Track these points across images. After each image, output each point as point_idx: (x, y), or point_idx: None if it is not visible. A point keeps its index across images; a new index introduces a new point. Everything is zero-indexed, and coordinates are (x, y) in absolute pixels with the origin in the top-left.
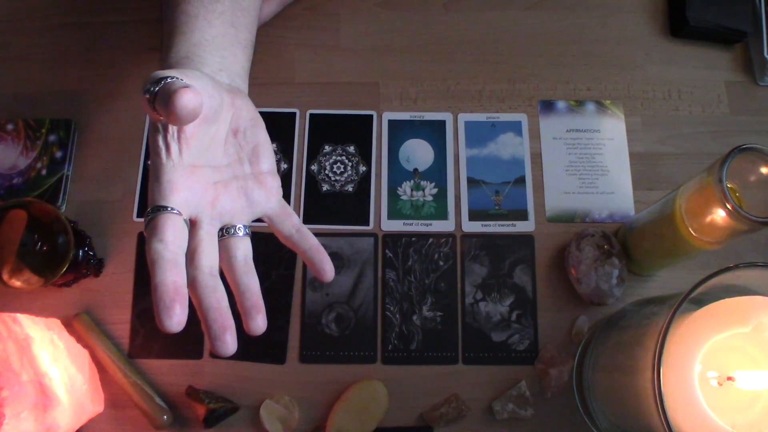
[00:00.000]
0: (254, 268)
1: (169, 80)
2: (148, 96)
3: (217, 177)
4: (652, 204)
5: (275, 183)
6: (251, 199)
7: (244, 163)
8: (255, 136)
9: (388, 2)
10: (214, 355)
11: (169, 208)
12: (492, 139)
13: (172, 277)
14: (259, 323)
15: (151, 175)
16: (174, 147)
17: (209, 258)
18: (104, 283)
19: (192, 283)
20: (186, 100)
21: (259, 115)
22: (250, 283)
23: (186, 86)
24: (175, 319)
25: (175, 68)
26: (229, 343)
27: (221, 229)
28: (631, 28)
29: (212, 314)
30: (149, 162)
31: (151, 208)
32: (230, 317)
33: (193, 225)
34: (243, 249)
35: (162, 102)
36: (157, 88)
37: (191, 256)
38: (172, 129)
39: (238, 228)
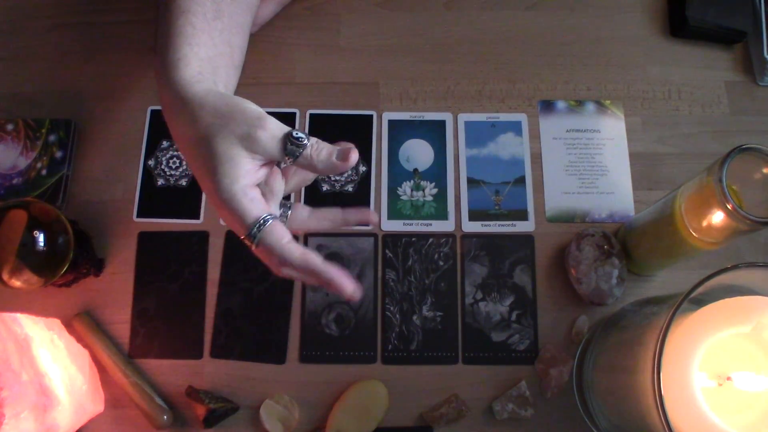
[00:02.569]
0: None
1: (303, 138)
2: (295, 142)
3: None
4: (652, 204)
5: (276, 168)
6: (275, 187)
7: None
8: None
9: (388, 2)
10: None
11: (273, 216)
12: (492, 139)
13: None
14: (373, 216)
15: (227, 196)
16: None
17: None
18: (104, 283)
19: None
20: (356, 156)
21: (261, 110)
22: (333, 210)
23: (351, 146)
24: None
25: (190, 84)
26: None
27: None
28: (631, 28)
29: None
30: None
31: (259, 220)
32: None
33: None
34: (304, 211)
35: (323, 154)
36: (303, 140)
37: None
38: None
39: (286, 198)
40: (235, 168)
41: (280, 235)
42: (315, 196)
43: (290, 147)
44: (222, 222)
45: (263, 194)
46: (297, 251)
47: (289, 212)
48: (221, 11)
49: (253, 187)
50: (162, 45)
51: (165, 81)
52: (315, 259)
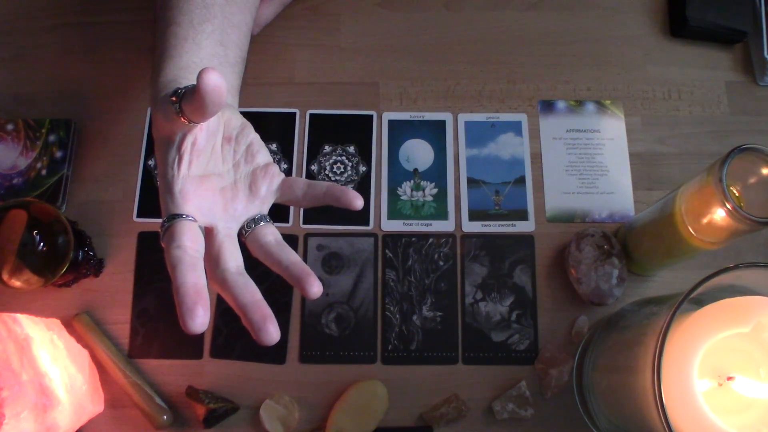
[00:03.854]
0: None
1: (179, 89)
2: (174, 98)
3: (222, 183)
4: (652, 204)
5: (274, 169)
6: (258, 193)
7: (241, 164)
8: (246, 138)
9: (388, 2)
10: (262, 344)
11: (183, 215)
12: (492, 139)
13: (192, 278)
14: (314, 287)
15: (162, 188)
16: (186, 159)
17: (234, 258)
18: (104, 283)
19: (223, 284)
20: (213, 76)
21: (246, 120)
22: (291, 256)
23: (207, 67)
24: (198, 320)
25: (159, 94)
26: (272, 331)
27: (242, 228)
28: (631, 28)
29: (250, 309)
30: (156, 175)
31: (166, 217)
32: (267, 307)
33: (210, 232)
34: (271, 233)
35: (189, 95)
36: (182, 91)
37: (216, 259)
38: (187, 140)
39: (258, 219)
40: (164, 161)
41: (172, 237)
42: None
43: (174, 103)
44: None
45: (233, 197)
46: (172, 259)
47: (254, 227)
48: (212, 14)
49: (184, 178)
50: (153, 67)
51: (149, 97)
52: (175, 278)
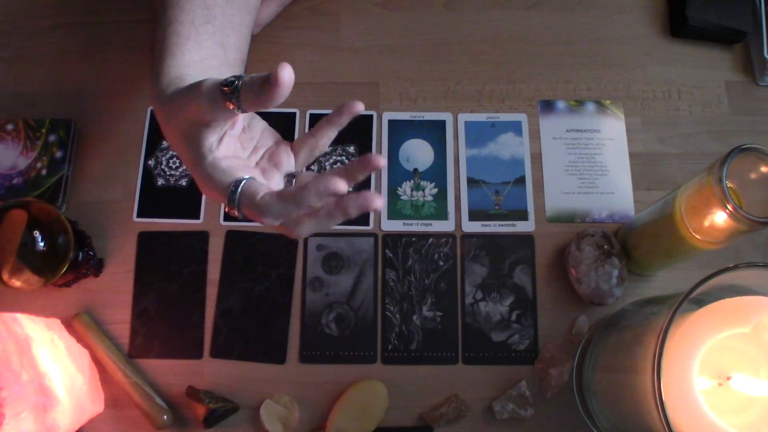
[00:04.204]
0: None
1: (242, 78)
2: (226, 88)
3: (249, 165)
4: (652, 204)
5: (283, 142)
6: (282, 163)
7: (258, 149)
8: (257, 125)
9: (388, 2)
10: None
11: (246, 177)
12: (492, 139)
13: (329, 185)
14: (381, 161)
15: (204, 172)
16: (225, 140)
17: None
18: (104, 283)
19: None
20: (289, 72)
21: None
22: (339, 168)
23: (283, 63)
24: (378, 199)
25: (166, 90)
26: (375, 198)
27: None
28: (631, 28)
29: (346, 201)
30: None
31: (233, 183)
32: (355, 193)
33: None
34: (310, 173)
35: (255, 86)
36: (237, 82)
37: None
38: (227, 125)
39: (292, 174)
40: (201, 148)
41: (253, 193)
42: None
43: (227, 94)
44: (222, 221)
45: (264, 170)
46: (271, 200)
47: (293, 180)
48: (213, 15)
49: (225, 158)
50: (152, 58)
51: (150, 93)
52: (288, 195)
